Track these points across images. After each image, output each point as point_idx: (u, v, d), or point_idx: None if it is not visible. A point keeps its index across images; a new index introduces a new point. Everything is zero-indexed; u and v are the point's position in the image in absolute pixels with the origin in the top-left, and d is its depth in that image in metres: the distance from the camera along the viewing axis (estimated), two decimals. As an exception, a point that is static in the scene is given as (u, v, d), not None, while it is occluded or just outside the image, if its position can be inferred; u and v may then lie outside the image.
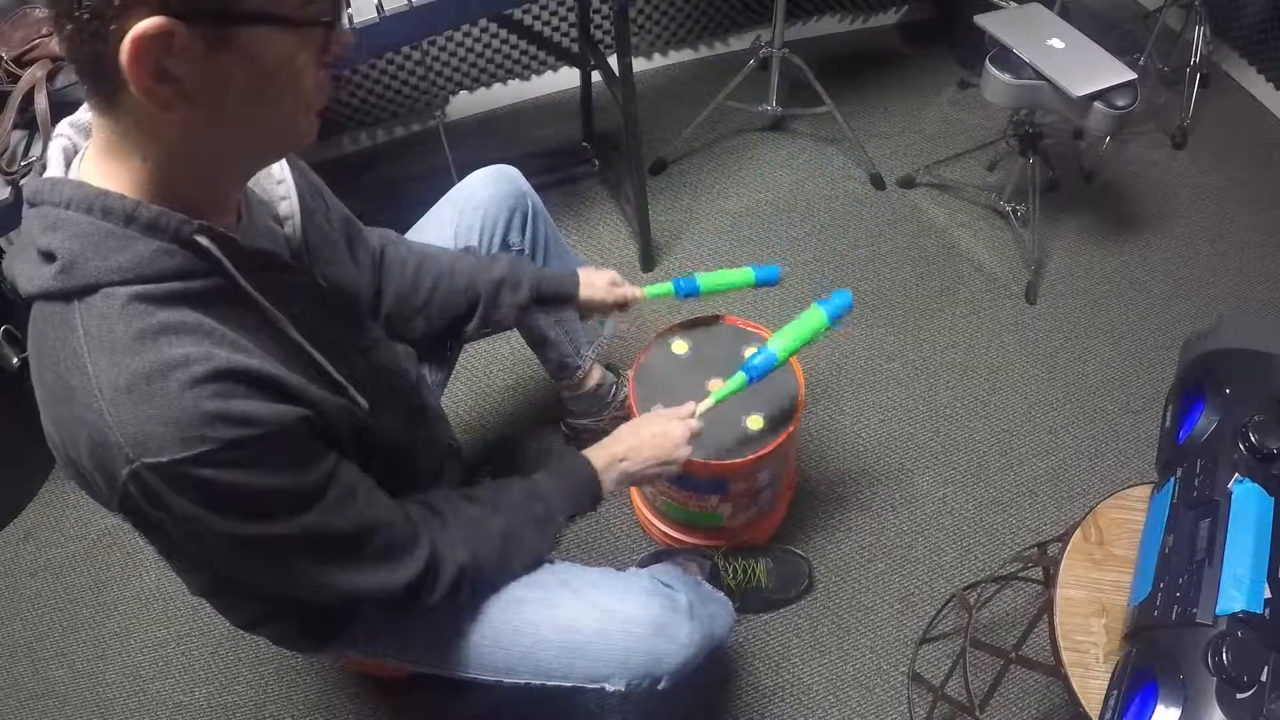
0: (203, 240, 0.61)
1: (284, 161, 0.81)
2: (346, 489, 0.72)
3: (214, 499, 0.62)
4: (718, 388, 1.16)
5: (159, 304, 0.60)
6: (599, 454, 1.02)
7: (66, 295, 0.60)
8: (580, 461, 1.00)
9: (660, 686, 1.02)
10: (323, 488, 0.68)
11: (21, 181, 1.15)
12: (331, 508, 0.69)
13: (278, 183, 0.80)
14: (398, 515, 0.81)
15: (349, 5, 1.33)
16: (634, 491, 1.61)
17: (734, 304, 1.97)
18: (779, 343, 1.15)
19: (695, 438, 1.09)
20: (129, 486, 0.60)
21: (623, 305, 1.26)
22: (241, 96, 0.58)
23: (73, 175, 0.63)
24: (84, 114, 0.66)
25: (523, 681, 1.01)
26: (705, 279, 1.30)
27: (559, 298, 1.20)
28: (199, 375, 0.58)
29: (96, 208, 0.59)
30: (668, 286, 1.28)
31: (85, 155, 0.63)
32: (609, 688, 1.00)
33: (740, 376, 1.13)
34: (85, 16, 0.52)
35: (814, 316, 1.17)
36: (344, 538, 0.73)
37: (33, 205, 0.62)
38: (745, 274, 1.32)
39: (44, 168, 0.64)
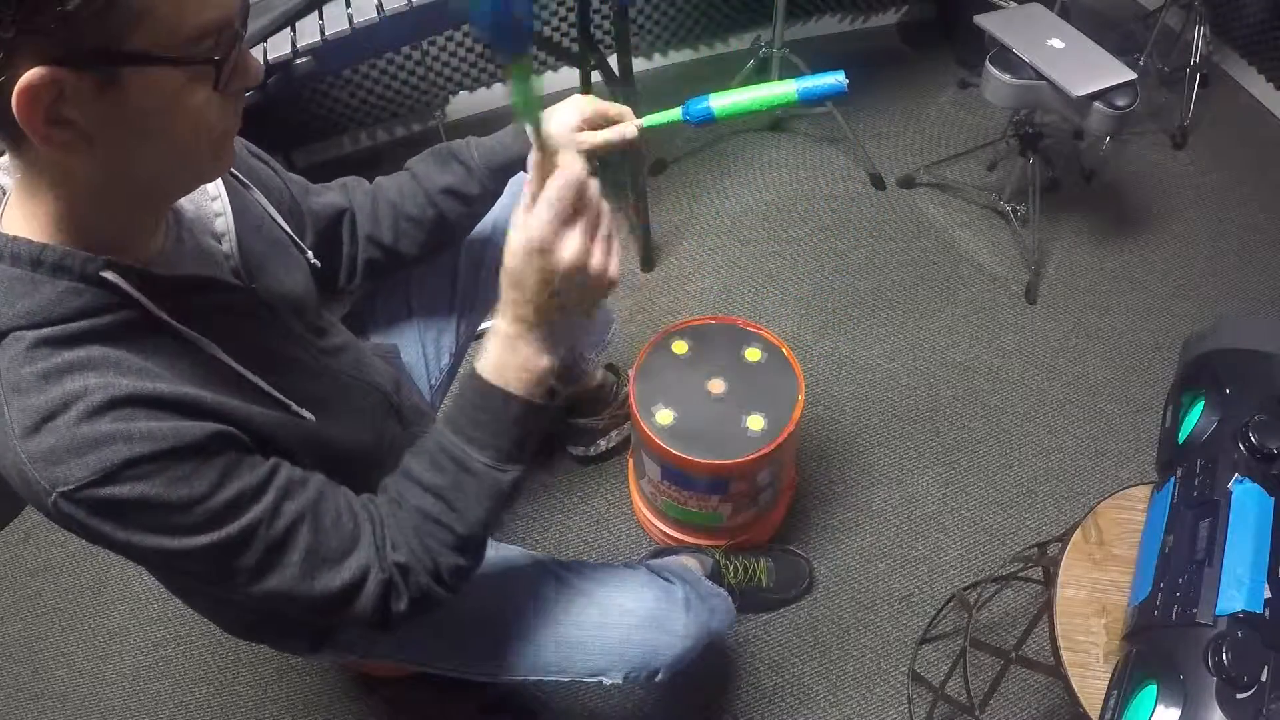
0: (110, 276, 0.62)
1: None
2: (284, 493, 0.69)
3: (132, 517, 0.62)
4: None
5: (64, 344, 0.61)
6: (488, 343, 0.74)
7: None
8: (463, 376, 0.77)
9: (658, 679, 1.02)
10: (254, 495, 0.67)
11: None
12: (268, 514, 0.67)
13: (212, 199, 0.78)
14: (356, 519, 0.74)
15: (266, 43, 1.29)
16: (634, 491, 1.61)
17: (734, 304, 1.97)
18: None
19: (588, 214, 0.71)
20: (57, 518, 0.61)
21: (596, 152, 1.02)
22: (139, 134, 0.58)
23: (3, 216, 0.64)
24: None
25: (520, 678, 1.01)
26: (724, 103, 1.02)
27: (512, 166, 1.04)
28: (97, 403, 0.59)
29: (5, 254, 0.61)
30: (674, 113, 1.05)
31: (9, 197, 0.64)
32: (606, 681, 1.00)
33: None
34: None
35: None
36: (286, 543, 0.69)
37: None
38: (783, 89, 0.99)
39: None
